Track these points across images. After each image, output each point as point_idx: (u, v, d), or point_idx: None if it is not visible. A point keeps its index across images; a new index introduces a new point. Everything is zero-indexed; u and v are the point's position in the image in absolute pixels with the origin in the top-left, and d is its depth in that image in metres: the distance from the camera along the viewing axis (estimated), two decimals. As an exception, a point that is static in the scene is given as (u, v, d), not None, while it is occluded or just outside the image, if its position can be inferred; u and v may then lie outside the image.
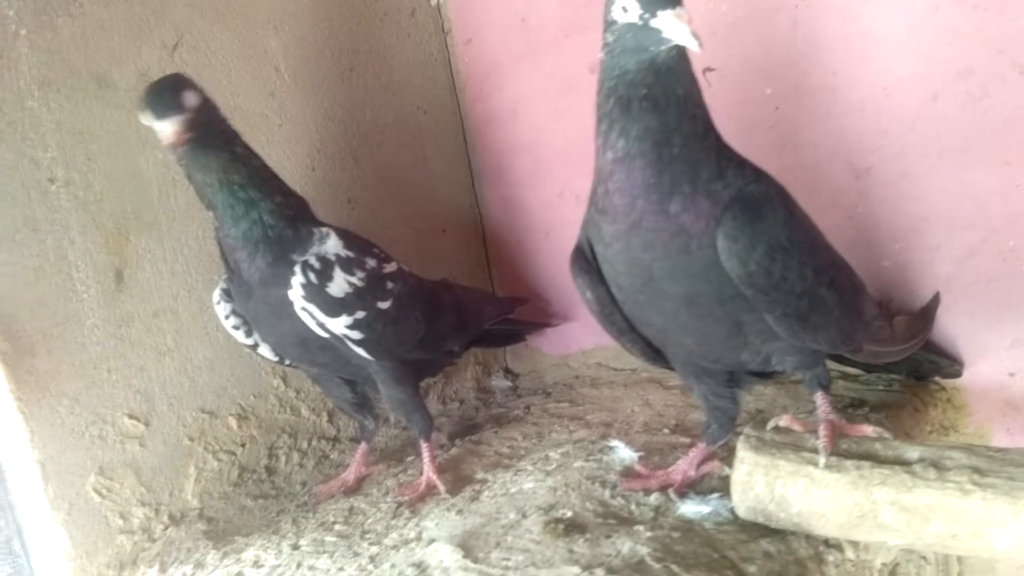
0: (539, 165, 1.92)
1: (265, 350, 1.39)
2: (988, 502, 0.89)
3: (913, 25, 1.36)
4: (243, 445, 1.49)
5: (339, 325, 1.25)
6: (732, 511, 1.07)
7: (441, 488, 1.34)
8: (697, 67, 0.99)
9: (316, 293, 1.23)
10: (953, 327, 1.44)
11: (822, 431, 1.03)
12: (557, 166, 1.87)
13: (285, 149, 1.59)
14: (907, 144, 1.41)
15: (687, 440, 1.36)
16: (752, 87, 1.56)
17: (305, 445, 1.59)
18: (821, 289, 1.04)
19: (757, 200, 0.99)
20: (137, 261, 1.34)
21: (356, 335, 1.27)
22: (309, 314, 1.23)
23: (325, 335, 1.26)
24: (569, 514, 1.13)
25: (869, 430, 1.05)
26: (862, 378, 1.50)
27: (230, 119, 1.24)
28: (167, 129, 1.13)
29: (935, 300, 1.40)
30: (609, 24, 0.96)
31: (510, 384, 2.03)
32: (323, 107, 1.67)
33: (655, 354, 1.19)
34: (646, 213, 0.97)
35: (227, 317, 1.35)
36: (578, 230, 1.14)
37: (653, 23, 0.90)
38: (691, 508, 1.09)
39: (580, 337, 1.96)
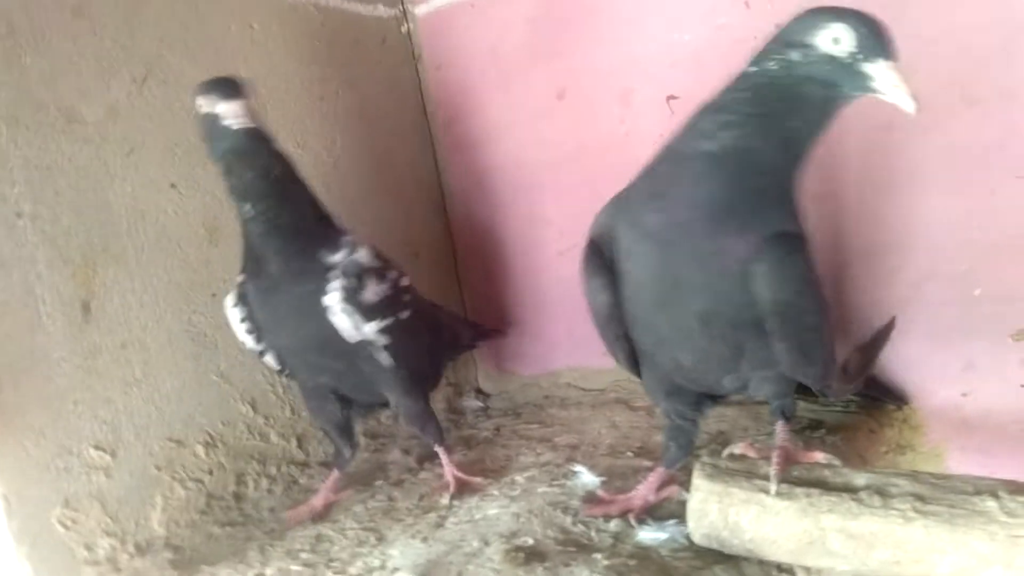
0: (512, 189, 1.95)
1: (270, 358, 1.41)
2: (929, 529, 0.92)
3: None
4: (211, 472, 1.49)
5: (371, 329, 1.31)
6: (688, 537, 1.09)
7: (476, 481, 1.43)
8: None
9: (353, 297, 1.29)
10: (909, 349, 1.48)
11: (775, 458, 1.05)
12: (529, 190, 1.90)
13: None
14: (862, 172, 1.45)
15: (649, 463, 1.38)
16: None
17: (274, 471, 1.60)
18: (824, 327, 1.08)
19: (799, 237, 1.02)
20: (105, 293, 1.35)
21: (384, 340, 1.33)
22: (347, 316, 1.28)
23: (354, 339, 1.31)
24: (531, 542, 1.15)
25: (820, 456, 1.08)
26: (822, 400, 1.53)
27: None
28: (234, 109, 1.21)
29: (884, 332, 1.43)
30: (801, 44, 0.93)
31: (481, 404, 2.05)
32: (294, 136, 1.69)
33: (635, 364, 1.20)
34: (703, 220, 0.98)
35: (242, 321, 1.36)
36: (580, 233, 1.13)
37: (865, 67, 0.91)
38: (649, 535, 1.12)
39: (552, 357, 1.99)
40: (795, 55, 0.94)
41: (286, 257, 1.28)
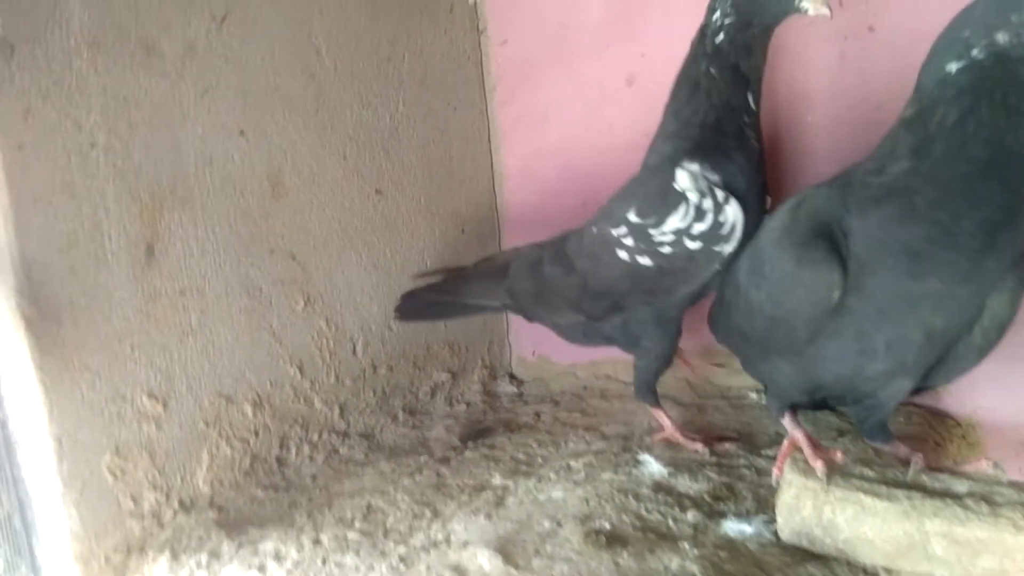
0: (566, 172, 1.91)
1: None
2: (1041, 540, 0.90)
3: (961, 66, 1.39)
4: (256, 433, 1.45)
5: None
6: (775, 532, 1.06)
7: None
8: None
9: None
10: (973, 365, 1.47)
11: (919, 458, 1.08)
12: (586, 176, 1.86)
13: (320, 134, 1.56)
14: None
15: (714, 458, 1.36)
16: (793, 113, 1.57)
17: (316, 438, 1.56)
18: None
19: None
20: (169, 236, 1.30)
21: None
22: None
23: None
24: (607, 526, 1.12)
25: (986, 465, 1.07)
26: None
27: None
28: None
29: None
30: (1008, 24, 0.88)
31: (515, 390, 2.01)
32: (360, 95, 1.64)
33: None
34: (973, 239, 0.91)
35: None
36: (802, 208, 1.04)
37: None
38: (733, 527, 1.09)
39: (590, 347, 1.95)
40: (1002, 37, 0.88)
41: None
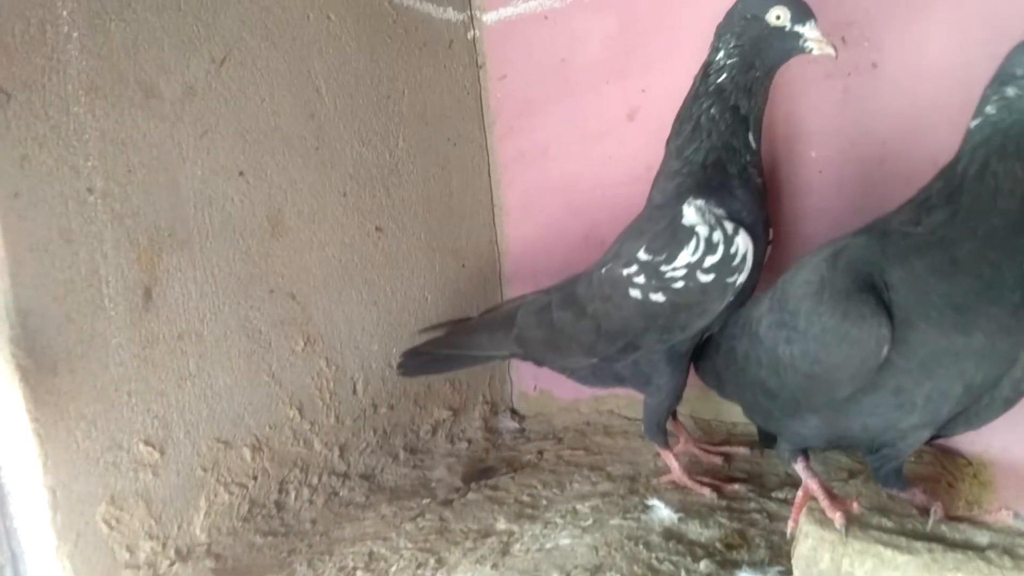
0: (567, 207, 1.90)
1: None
2: (1067, 595, 0.87)
3: (965, 104, 1.38)
4: (255, 478, 1.42)
5: None
6: (790, 585, 1.04)
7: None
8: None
9: None
10: (983, 403, 1.45)
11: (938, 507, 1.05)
12: (586, 211, 1.85)
13: (320, 173, 1.55)
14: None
15: (724, 502, 1.33)
16: (797, 149, 1.56)
17: (316, 480, 1.53)
18: None
19: None
20: (167, 280, 1.28)
21: None
22: None
23: None
24: (618, 578, 1.09)
25: (1007, 515, 1.04)
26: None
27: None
28: (819, 34, 1.20)
29: None
30: (1015, 78, 0.92)
31: (517, 426, 1.98)
32: (359, 133, 1.63)
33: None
34: (1016, 291, 0.91)
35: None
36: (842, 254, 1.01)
37: None
38: (748, 579, 1.06)
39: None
40: (1011, 90, 0.91)
41: None
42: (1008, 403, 1.03)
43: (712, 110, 1.27)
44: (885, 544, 0.97)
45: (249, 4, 1.42)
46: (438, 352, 1.61)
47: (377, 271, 1.68)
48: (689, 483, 1.39)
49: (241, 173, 1.40)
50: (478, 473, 1.64)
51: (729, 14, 1.25)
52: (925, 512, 1.05)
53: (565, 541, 1.23)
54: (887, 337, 0.94)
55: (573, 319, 1.40)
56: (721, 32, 1.26)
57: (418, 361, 1.63)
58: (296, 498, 1.49)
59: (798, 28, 1.20)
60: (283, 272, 1.48)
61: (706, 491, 1.36)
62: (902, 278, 0.95)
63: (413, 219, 1.77)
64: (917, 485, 1.36)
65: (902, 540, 0.98)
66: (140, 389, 1.24)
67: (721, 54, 1.25)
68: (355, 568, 1.25)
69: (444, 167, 1.86)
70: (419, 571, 1.22)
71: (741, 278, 1.21)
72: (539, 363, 1.57)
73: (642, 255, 1.28)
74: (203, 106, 1.34)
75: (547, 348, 1.48)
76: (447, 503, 1.49)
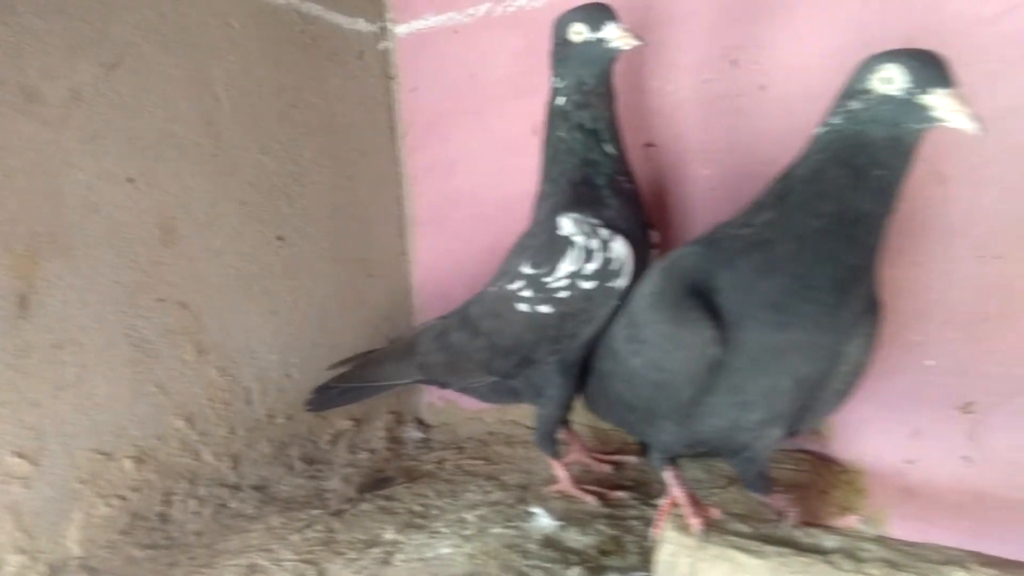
0: (476, 219, 1.92)
1: None
2: (901, 596, 0.92)
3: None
4: (137, 490, 1.39)
5: None
6: (652, 590, 1.07)
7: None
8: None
9: None
10: (859, 413, 1.51)
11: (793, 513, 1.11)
12: (493, 222, 1.88)
13: (217, 181, 1.53)
14: (829, 237, 1.48)
15: (607, 509, 1.36)
16: (690, 168, 1.62)
17: (204, 492, 1.50)
18: None
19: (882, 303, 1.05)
20: (45, 287, 1.25)
21: None
22: None
23: None
24: (489, 585, 1.10)
25: (854, 520, 1.09)
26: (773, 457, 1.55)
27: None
28: (619, 30, 1.24)
29: None
30: (859, 92, 0.96)
31: (422, 435, 1.99)
32: (260, 141, 1.63)
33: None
34: (832, 292, 0.96)
35: None
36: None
37: (922, 99, 0.91)
38: (612, 586, 1.09)
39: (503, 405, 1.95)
40: (855, 104, 0.96)
41: None
42: (840, 395, 1.08)
43: (562, 132, 1.35)
44: (739, 548, 1.01)
45: (144, 9, 1.41)
46: (346, 386, 1.61)
47: (277, 281, 1.67)
48: (575, 492, 1.42)
49: (130, 180, 1.38)
50: (374, 483, 1.64)
51: (551, 42, 1.34)
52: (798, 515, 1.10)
53: (446, 550, 1.25)
54: (715, 338, 0.98)
55: (469, 339, 1.42)
56: (550, 60, 1.35)
57: (327, 396, 1.63)
58: (182, 510, 1.46)
59: (599, 35, 1.27)
60: (174, 281, 1.46)
61: (590, 499, 1.38)
62: (729, 280, 0.99)
63: (318, 229, 1.77)
64: (792, 492, 1.41)
65: (755, 544, 1.02)
66: (12, 399, 1.20)
67: (555, 79, 1.35)
68: (234, 580, 1.24)
69: (352, 177, 1.86)
70: (298, 583, 1.22)
71: (622, 282, 1.26)
72: (443, 386, 1.60)
73: (526, 269, 1.32)
74: (91, 112, 1.32)
75: (448, 371, 1.50)
76: (338, 514, 1.48)
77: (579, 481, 1.45)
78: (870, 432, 1.52)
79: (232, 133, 1.57)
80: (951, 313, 1.40)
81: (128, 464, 1.37)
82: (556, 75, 1.35)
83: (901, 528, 1.51)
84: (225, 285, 1.56)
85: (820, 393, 1.06)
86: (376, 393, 1.69)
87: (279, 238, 1.67)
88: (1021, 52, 1.29)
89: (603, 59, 1.29)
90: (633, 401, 1.14)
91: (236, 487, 1.57)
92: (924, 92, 0.91)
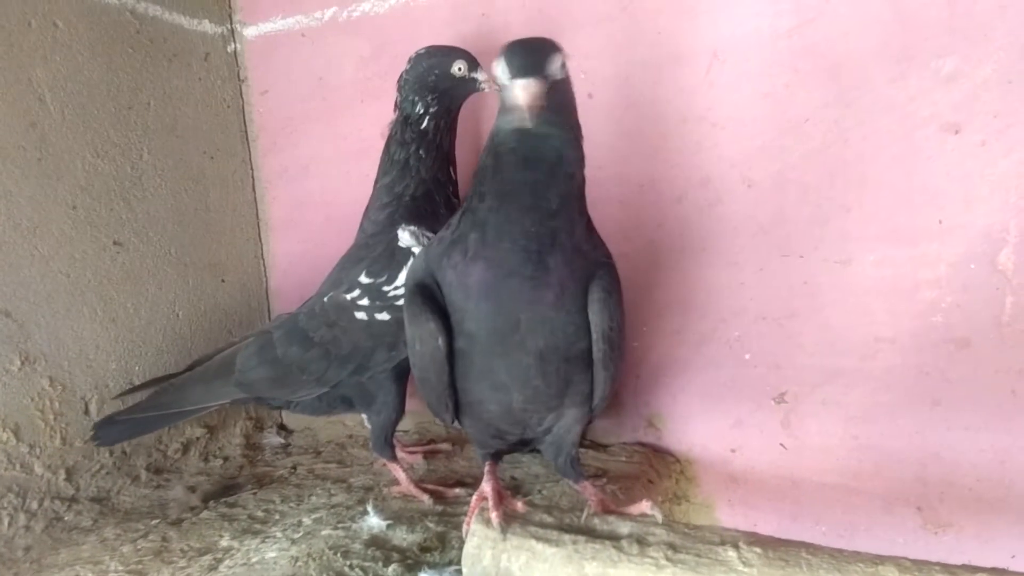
0: (329, 222, 1.92)
1: None
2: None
3: (664, 134, 1.53)
4: (-44, 506, 1.34)
5: None
6: (463, 583, 1.10)
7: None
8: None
9: None
10: (689, 405, 1.60)
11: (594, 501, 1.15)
12: (347, 224, 1.88)
13: (42, 184, 1.49)
14: (656, 238, 1.56)
15: (441, 507, 1.39)
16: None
17: (35, 506, 1.46)
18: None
19: (615, 266, 1.09)
20: None
21: None
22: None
23: None
24: (305, 586, 1.12)
25: (646, 506, 1.13)
26: (608, 448, 1.62)
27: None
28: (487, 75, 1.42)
29: None
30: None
31: (282, 441, 1.97)
32: (93, 144, 1.58)
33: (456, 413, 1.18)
34: (526, 263, 0.99)
35: None
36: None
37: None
38: (427, 579, 1.12)
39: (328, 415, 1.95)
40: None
41: None
42: (604, 364, 1.08)
43: (420, 151, 1.44)
44: (538, 539, 1.05)
45: (-47, 7, 1.36)
46: (142, 416, 1.52)
47: (116, 287, 1.63)
48: (413, 491, 1.44)
49: (-60, 184, 1.33)
50: (221, 491, 1.63)
51: (415, 74, 1.46)
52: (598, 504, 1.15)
53: (271, 554, 1.25)
54: (438, 329, 1.05)
55: (300, 351, 1.43)
56: (412, 88, 1.45)
57: (116, 429, 1.52)
58: (10, 525, 1.41)
59: (474, 75, 1.46)
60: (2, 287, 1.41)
61: (425, 497, 1.42)
62: (451, 274, 1.05)
63: (161, 233, 1.74)
64: (623, 482, 1.49)
65: (554, 534, 1.06)
66: None
67: (419, 106, 1.45)
68: (51, 595, 1.21)
69: (199, 181, 1.83)
70: (119, 593, 1.20)
71: None
72: (267, 402, 1.59)
73: (363, 279, 1.36)
74: None
75: (274, 385, 1.48)
76: (177, 523, 1.46)
77: (418, 481, 1.48)
78: (697, 423, 1.60)
79: (60, 136, 1.52)
80: (764, 309, 1.49)
81: (-58, 480, 1.32)
82: (422, 102, 1.45)
83: (729, 515, 1.60)
84: (54, 292, 1.51)
85: (576, 366, 1.08)
86: (178, 420, 1.63)
87: (116, 243, 1.63)
88: (812, 65, 1.39)
89: (468, 93, 1.48)
90: (428, 400, 1.18)
91: (73, 499, 1.53)
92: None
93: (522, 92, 0.95)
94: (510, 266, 1.00)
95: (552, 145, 1.00)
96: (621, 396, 1.66)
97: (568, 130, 1.03)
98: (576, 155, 1.04)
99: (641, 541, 1.04)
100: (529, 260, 0.99)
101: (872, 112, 1.36)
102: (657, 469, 1.57)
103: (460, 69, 1.45)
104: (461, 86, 1.46)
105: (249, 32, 1.92)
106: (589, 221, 1.08)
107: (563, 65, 1.02)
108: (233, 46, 1.93)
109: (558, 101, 1.00)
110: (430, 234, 1.33)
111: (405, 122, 1.46)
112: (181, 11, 1.78)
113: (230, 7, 1.91)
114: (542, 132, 0.99)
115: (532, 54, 0.98)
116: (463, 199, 1.25)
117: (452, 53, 1.46)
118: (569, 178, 1.03)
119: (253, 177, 1.99)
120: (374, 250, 1.39)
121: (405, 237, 1.36)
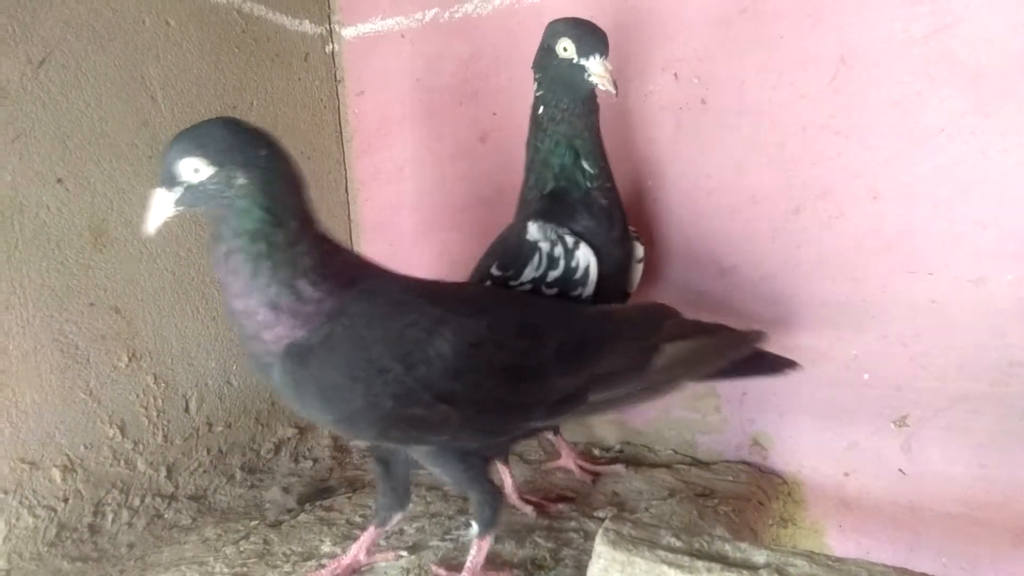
0: (421, 225, 1.90)
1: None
2: (824, 611, 0.93)
3: (782, 143, 1.47)
4: (65, 500, 1.35)
5: None
6: (584, 605, 1.06)
7: None
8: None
9: None
10: (799, 425, 1.53)
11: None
12: (440, 229, 1.86)
13: (153, 183, 1.49)
14: (768, 250, 1.50)
15: (546, 521, 1.35)
16: (637, 178, 1.62)
17: (137, 502, 1.46)
18: None
19: None
20: (-35, 291, 1.21)
21: None
22: None
23: None
24: (419, 601, 1.09)
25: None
26: (713, 467, 1.57)
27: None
28: (604, 69, 1.22)
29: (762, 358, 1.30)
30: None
31: (366, 444, 1.96)
32: (200, 143, 1.58)
33: None
34: None
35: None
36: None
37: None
38: (544, 600, 1.08)
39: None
40: None
41: None
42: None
43: (539, 142, 1.30)
44: (669, 564, 1.01)
45: (75, 5, 1.36)
46: None
47: (216, 285, 1.63)
48: (516, 502, 1.41)
49: (59, 180, 1.34)
50: (315, 493, 1.61)
51: (539, 48, 1.29)
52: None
53: (380, 564, 1.23)
54: None
55: None
56: (534, 66, 1.30)
57: None
58: (114, 521, 1.42)
59: (583, 62, 1.22)
60: (106, 285, 1.42)
61: (528, 509, 1.38)
62: None
63: (260, 233, 1.73)
64: (731, 503, 1.43)
65: (686, 560, 1.01)
66: (-72, 407, 1.16)
67: (536, 83, 1.29)
68: (162, 595, 1.21)
69: (297, 181, 1.83)
70: (230, 597, 1.19)
71: (585, 291, 1.25)
72: None
73: (494, 271, 1.31)
74: (16, 109, 1.28)
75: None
76: (276, 525, 1.45)
77: (520, 492, 1.45)
78: (808, 444, 1.54)
79: (169, 134, 1.51)
80: (886, 328, 1.42)
81: (56, 473, 1.33)
82: (537, 84, 1.29)
83: (839, 540, 1.54)
84: (161, 289, 1.52)
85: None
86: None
87: (219, 242, 1.63)
88: (948, 72, 1.32)
89: (581, 84, 1.24)
90: None
91: (172, 497, 1.53)
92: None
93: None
94: None
95: None
96: (725, 413, 1.60)
97: None
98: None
99: (781, 572, 0.99)
100: None
101: (1015, 124, 1.28)
102: (765, 490, 1.51)
103: (565, 49, 1.22)
104: (566, 72, 1.24)
105: (347, 33, 1.92)
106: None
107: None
108: (331, 47, 1.92)
109: None
110: (562, 229, 1.26)
111: (533, 107, 1.31)
112: (284, 11, 1.78)
113: (329, 7, 1.91)
114: None
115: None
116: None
117: (563, 26, 1.24)
118: None
119: (346, 178, 1.98)
120: (507, 243, 1.33)
121: (534, 231, 1.27)
